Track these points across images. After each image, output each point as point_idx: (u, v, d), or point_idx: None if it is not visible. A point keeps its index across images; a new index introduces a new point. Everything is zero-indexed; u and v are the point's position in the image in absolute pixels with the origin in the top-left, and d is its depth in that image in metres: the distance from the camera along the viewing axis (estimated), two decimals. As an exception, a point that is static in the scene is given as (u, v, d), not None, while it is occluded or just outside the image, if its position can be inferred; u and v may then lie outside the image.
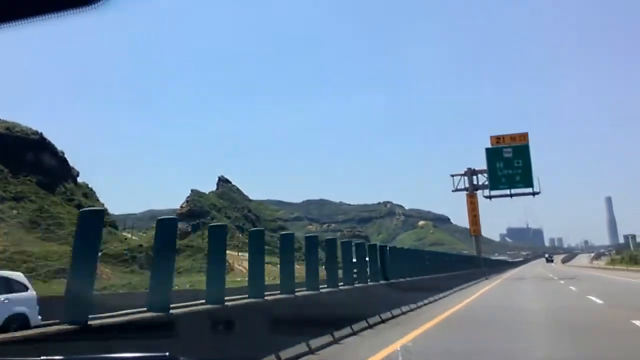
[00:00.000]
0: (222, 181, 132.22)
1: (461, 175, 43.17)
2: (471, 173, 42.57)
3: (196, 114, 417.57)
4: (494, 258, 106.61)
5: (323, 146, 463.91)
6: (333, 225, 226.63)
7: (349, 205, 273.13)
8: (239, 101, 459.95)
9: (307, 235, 8.70)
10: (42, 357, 1.78)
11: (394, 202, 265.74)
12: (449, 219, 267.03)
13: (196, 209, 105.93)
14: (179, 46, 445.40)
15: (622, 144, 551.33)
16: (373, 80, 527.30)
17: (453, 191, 43.19)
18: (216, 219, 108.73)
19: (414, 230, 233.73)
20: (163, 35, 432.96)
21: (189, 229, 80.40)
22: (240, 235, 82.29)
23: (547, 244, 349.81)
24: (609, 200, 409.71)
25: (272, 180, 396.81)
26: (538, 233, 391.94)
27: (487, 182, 41.69)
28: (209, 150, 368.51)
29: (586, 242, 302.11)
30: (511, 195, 41.04)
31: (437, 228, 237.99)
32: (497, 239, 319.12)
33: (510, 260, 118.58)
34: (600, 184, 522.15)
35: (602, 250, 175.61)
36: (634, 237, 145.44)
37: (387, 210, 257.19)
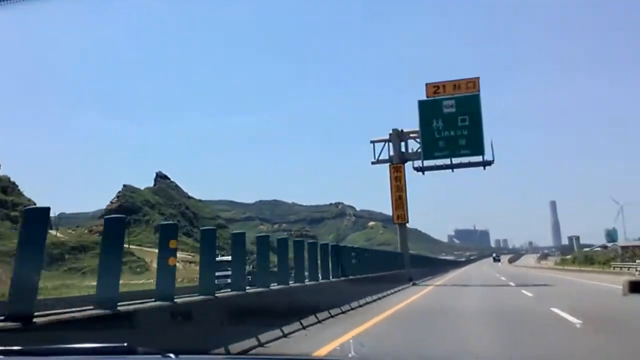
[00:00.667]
0: (160, 177, 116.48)
1: (385, 140, 28.33)
2: (397, 136, 27.63)
3: (152, 114, 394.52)
4: (440, 257, 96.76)
5: (279, 148, 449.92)
6: (284, 225, 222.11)
7: (302, 206, 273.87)
8: (196, 103, 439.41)
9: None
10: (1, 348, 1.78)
11: (346, 203, 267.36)
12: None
13: (127, 204, 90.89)
14: (130, 43, 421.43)
15: (567, 150, 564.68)
16: (328, 80, 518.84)
17: (373, 163, 28.12)
18: (148, 215, 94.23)
19: (363, 230, 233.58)
20: (112, 31, 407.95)
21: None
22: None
23: (493, 244, 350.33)
24: (553, 204, 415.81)
25: (226, 181, 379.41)
26: (484, 234, 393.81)
27: (420, 150, 27.48)
28: (164, 150, 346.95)
29: (530, 243, 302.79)
30: (452, 167, 26.95)
31: (386, 229, 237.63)
32: (445, 239, 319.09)
33: (452, 259, 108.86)
34: (545, 188, 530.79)
35: (546, 251, 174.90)
36: (577, 238, 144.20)
37: (339, 211, 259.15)
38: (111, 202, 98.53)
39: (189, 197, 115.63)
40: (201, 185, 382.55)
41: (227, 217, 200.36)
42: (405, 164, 28.23)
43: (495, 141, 27.14)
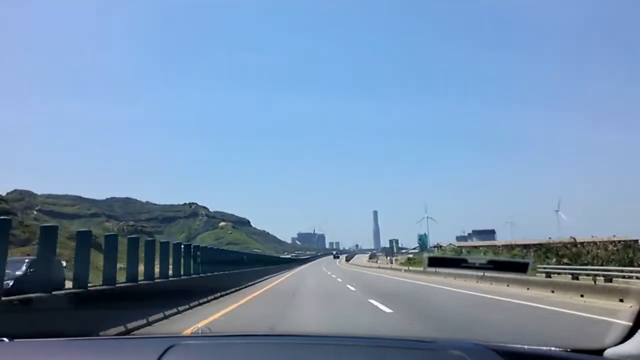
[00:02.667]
0: None
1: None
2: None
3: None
4: (283, 256, 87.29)
5: (134, 143, 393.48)
6: (132, 222, 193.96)
7: (155, 204, 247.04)
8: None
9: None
10: None
11: (200, 203, 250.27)
12: (249, 222, 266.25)
13: None
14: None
15: (387, 166, 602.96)
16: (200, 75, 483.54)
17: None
18: None
19: (214, 230, 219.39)
20: None
21: None
22: None
23: (328, 246, 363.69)
24: (375, 213, 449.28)
25: (75, 175, 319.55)
26: (321, 237, 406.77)
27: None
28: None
29: (357, 245, 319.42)
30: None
31: (236, 229, 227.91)
32: (289, 241, 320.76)
33: (291, 257, 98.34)
34: (369, 199, 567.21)
35: (370, 252, 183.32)
36: (397, 241, 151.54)
37: (192, 211, 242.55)
38: None
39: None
40: (45, 178, 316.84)
41: (71, 212, 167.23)
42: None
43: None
